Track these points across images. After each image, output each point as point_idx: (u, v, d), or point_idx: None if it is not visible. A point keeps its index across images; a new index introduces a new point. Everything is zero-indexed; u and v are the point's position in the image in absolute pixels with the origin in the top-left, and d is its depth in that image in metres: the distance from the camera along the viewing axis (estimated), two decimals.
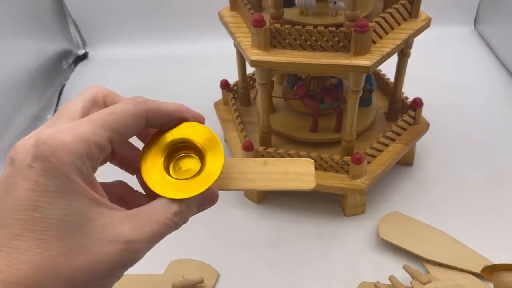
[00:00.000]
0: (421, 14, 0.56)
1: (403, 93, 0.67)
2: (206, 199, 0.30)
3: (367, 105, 0.67)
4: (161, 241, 0.51)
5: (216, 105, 0.75)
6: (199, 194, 0.28)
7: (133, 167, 0.32)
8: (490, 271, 0.49)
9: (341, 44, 0.50)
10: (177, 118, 0.30)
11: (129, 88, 0.96)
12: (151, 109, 0.28)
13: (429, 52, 0.95)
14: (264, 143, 0.63)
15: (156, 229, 0.27)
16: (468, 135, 0.76)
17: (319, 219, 0.64)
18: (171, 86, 0.96)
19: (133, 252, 0.26)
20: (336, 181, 0.59)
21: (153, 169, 0.29)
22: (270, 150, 0.60)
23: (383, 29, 0.52)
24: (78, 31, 1.09)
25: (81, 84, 1.00)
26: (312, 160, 0.31)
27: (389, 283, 0.53)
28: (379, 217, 0.63)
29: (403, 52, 0.60)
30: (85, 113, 0.28)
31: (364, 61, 0.49)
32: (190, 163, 0.30)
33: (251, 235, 0.63)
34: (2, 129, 0.74)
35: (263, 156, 0.61)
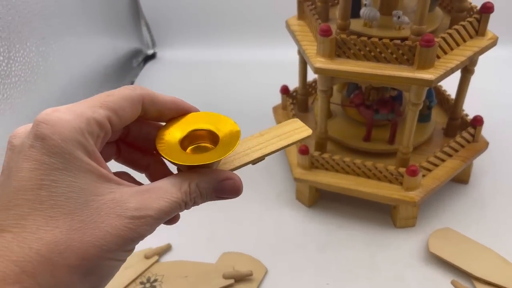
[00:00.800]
0: (488, 32, 0.56)
1: (463, 110, 0.67)
2: (225, 187, 0.29)
3: (425, 121, 0.68)
4: (216, 233, 0.55)
5: (275, 109, 0.78)
6: (215, 179, 0.29)
7: (141, 165, 0.33)
8: None
9: (405, 57, 0.51)
10: (173, 109, 0.30)
11: (192, 89, 1.02)
12: (146, 95, 0.28)
13: (494, 70, 0.93)
14: (320, 148, 0.65)
15: (164, 206, 0.27)
16: None
17: (368, 228, 0.65)
18: (233, 90, 1.00)
19: (140, 227, 0.26)
20: (389, 191, 0.60)
21: (169, 145, 0.29)
22: (325, 155, 0.62)
23: (448, 44, 0.53)
24: (149, 32, 1.17)
25: (149, 82, 1.06)
26: (295, 118, 0.34)
27: None
28: (429, 231, 0.63)
29: (467, 69, 0.60)
30: (118, 105, 0.27)
31: (427, 75, 0.50)
32: (206, 149, 0.30)
33: (301, 237, 0.65)
34: None
35: (317, 162, 0.63)
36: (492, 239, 0.61)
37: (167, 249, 0.64)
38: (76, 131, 0.25)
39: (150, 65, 1.14)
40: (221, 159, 0.29)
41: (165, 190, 0.27)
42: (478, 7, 0.55)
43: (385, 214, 0.66)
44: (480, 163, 0.71)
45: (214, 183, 0.29)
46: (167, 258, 0.63)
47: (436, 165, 0.62)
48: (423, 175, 0.60)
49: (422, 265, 0.60)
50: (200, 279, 0.59)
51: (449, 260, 0.58)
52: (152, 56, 1.17)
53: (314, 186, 0.65)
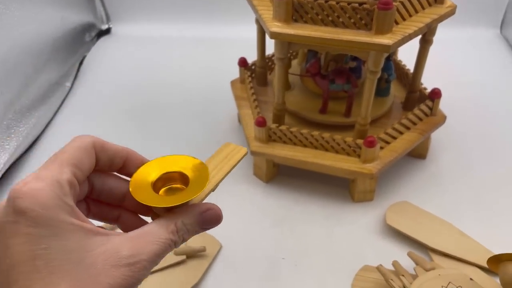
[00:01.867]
0: (446, 1, 0.55)
1: (421, 84, 0.66)
2: (207, 218, 0.31)
3: (385, 95, 0.67)
4: None
5: (233, 83, 0.75)
6: (197, 213, 0.30)
7: (111, 218, 0.33)
8: (496, 262, 0.48)
9: (363, 21, 0.50)
10: (123, 157, 0.32)
11: (148, 65, 0.98)
12: (97, 141, 0.30)
13: (452, 51, 0.94)
14: (277, 121, 0.63)
15: (156, 249, 0.28)
16: (484, 133, 0.75)
17: (326, 203, 0.64)
18: (190, 66, 0.96)
19: (137, 273, 0.27)
20: (347, 163, 0.59)
21: (143, 190, 0.30)
22: (283, 127, 0.60)
23: (407, 10, 0.51)
24: (103, 6, 1.11)
25: (102, 57, 1.01)
26: (227, 142, 0.36)
27: (392, 268, 0.52)
28: (387, 205, 0.62)
29: (425, 39, 0.60)
30: (77, 160, 0.29)
31: (385, 40, 0.49)
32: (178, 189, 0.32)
33: (257, 213, 0.63)
34: (21, 90, 0.75)
35: (275, 134, 0.61)
36: (448, 211, 0.61)
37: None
38: (52, 197, 0.26)
39: (103, 40, 1.09)
40: (196, 196, 0.30)
41: (153, 234, 0.28)
42: None
43: (343, 189, 0.65)
44: (438, 138, 0.71)
45: (197, 217, 0.30)
46: None
47: (394, 138, 0.61)
48: (381, 147, 0.60)
49: (379, 238, 0.59)
50: None
51: (406, 232, 0.57)
52: (107, 31, 1.12)
53: (271, 159, 0.63)
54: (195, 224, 0.30)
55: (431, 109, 0.64)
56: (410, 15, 0.52)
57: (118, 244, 0.27)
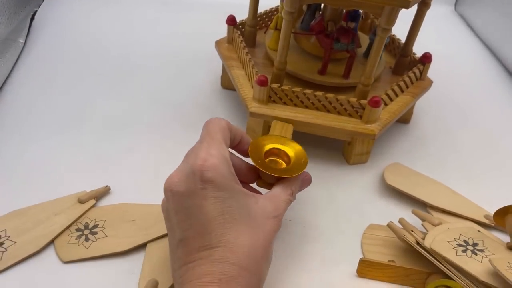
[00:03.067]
0: None
1: None
2: (305, 183, 0.48)
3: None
4: (160, 174, 0.52)
5: (219, 43, 0.71)
6: (300, 180, 0.46)
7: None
8: (503, 214, 0.51)
9: None
10: (240, 136, 0.44)
11: (111, 24, 0.90)
12: (228, 124, 0.42)
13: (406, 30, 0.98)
14: (277, 81, 0.60)
15: (284, 206, 0.42)
16: (457, 99, 0.79)
17: (321, 165, 0.63)
18: (161, 26, 0.91)
19: (279, 222, 0.40)
20: (349, 124, 0.59)
21: (259, 162, 0.44)
22: (285, 87, 0.58)
23: None
24: None
25: (53, 13, 0.92)
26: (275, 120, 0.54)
27: (399, 225, 0.53)
28: (380, 167, 0.63)
29: (425, 3, 0.61)
30: (225, 139, 0.41)
31: None
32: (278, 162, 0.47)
33: None
34: None
35: (275, 95, 0.59)
36: (436, 173, 0.63)
37: (105, 192, 0.55)
38: (227, 169, 0.37)
39: None
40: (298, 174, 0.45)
41: (281, 196, 0.42)
42: None
43: (336, 152, 0.65)
44: (419, 104, 0.74)
45: (300, 183, 0.46)
46: (105, 202, 0.55)
47: (391, 100, 0.62)
48: None
49: (379, 198, 0.60)
50: (151, 221, 0.52)
51: (406, 191, 0.59)
52: None
53: (270, 120, 0.61)
54: (299, 188, 0.46)
55: (421, 72, 0.66)
56: None
57: (263, 203, 0.40)
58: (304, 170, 0.45)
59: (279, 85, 0.59)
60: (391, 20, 0.51)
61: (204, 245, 0.36)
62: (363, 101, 0.58)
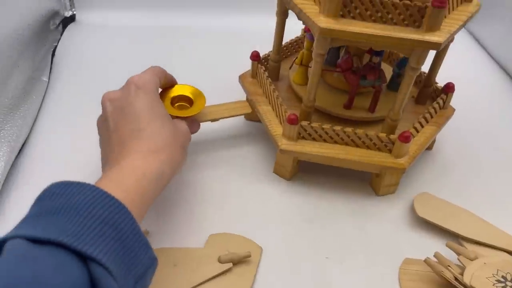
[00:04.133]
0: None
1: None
2: (192, 126, 0.59)
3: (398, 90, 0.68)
4: (195, 216, 0.60)
5: (243, 77, 0.72)
6: (194, 116, 0.59)
7: None
8: None
9: (412, 18, 0.50)
10: (171, 81, 0.61)
11: (127, 57, 0.91)
12: (163, 72, 0.57)
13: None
14: (306, 118, 0.62)
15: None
16: (480, 124, 0.80)
17: (349, 197, 0.64)
18: (176, 58, 0.92)
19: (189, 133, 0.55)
20: (379, 159, 0.60)
21: (165, 103, 0.57)
22: (315, 125, 0.59)
23: (449, 7, 0.53)
24: None
25: (73, 47, 0.93)
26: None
27: (434, 259, 0.54)
28: (408, 196, 0.64)
29: None
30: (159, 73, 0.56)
31: (435, 38, 0.50)
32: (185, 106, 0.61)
33: (285, 211, 0.62)
34: (1, 85, 0.67)
35: (305, 131, 0.60)
36: (463, 200, 0.64)
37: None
38: (154, 84, 0.52)
39: (71, 28, 0.99)
40: (194, 114, 0.59)
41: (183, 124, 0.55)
42: None
43: (364, 182, 0.66)
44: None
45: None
46: None
47: (418, 131, 0.63)
48: None
49: (410, 230, 0.61)
50: (192, 266, 0.53)
51: (438, 223, 0.59)
52: (71, 19, 1.02)
53: (300, 157, 0.62)
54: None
55: (444, 102, 0.67)
56: (449, 13, 0.54)
57: (179, 122, 0.54)
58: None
59: (308, 122, 0.60)
60: (421, 60, 0.52)
61: (135, 129, 0.46)
62: (392, 136, 0.59)
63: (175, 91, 0.60)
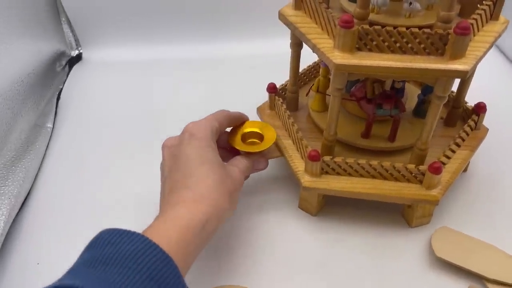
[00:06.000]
0: (501, 16, 0.56)
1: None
2: (258, 162, 0.61)
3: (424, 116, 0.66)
4: (203, 267, 0.58)
5: (261, 109, 0.72)
6: (259, 152, 0.61)
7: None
8: None
9: (434, 47, 0.49)
10: (240, 119, 0.63)
11: (134, 93, 0.92)
12: (227, 115, 0.60)
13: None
14: (328, 152, 0.60)
15: (244, 170, 0.57)
16: (500, 145, 0.76)
17: (379, 230, 0.62)
18: (186, 91, 0.92)
19: (243, 176, 0.56)
20: (409, 191, 0.58)
21: (236, 140, 0.61)
22: (338, 159, 0.58)
23: (473, 31, 0.51)
24: (72, 30, 1.03)
25: (79, 89, 0.94)
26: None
27: None
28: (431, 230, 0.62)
29: None
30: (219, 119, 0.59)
31: (461, 66, 0.48)
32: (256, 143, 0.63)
33: (303, 254, 0.60)
34: (3, 141, 0.68)
35: (328, 166, 0.59)
36: (493, 232, 0.61)
37: None
38: (209, 133, 0.54)
39: (77, 68, 1.01)
40: (263, 150, 0.60)
41: (239, 162, 0.58)
42: None
43: (395, 214, 0.64)
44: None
45: (252, 162, 0.60)
46: None
47: (449, 158, 0.61)
48: None
49: (429, 269, 0.58)
50: None
51: (458, 263, 0.56)
52: (78, 58, 1.04)
53: (325, 193, 0.61)
54: (250, 164, 0.59)
55: (476, 123, 0.65)
56: (474, 35, 0.52)
57: (231, 168, 0.55)
58: (264, 152, 0.62)
59: (331, 157, 0.59)
60: (447, 88, 0.51)
61: (183, 176, 0.49)
62: (422, 167, 0.57)
63: (246, 128, 0.63)
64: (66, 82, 0.95)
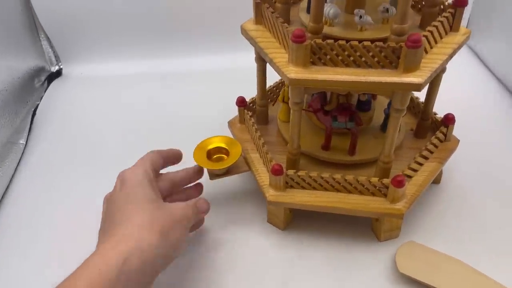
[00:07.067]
0: (462, 28, 0.56)
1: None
2: (199, 207, 0.57)
3: None
4: (163, 285, 0.57)
5: (232, 124, 0.72)
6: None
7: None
8: None
9: (388, 60, 0.49)
10: (174, 155, 0.62)
11: (111, 107, 0.93)
12: (157, 155, 0.59)
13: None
14: (292, 166, 0.61)
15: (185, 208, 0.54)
16: (473, 155, 0.76)
17: (347, 245, 0.63)
18: (160, 105, 0.93)
19: (188, 211, 0.54)
20: (374, 205, 0.58)
21: (201, 158, 0.63)
22: (302, 173, 0.59)
23: (429, 43, 0.52)
24: (51, 46, 1.04)
25: (56, 104, 0.95)
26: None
27: None
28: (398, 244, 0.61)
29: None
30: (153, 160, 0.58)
31: (415, 79, 0.48)
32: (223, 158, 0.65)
33: (267, 270, 0.60)
34: None
35: (292, 180, 0.60)
36: (460, 248, 0.61)
37: None
38: (142, 176, 0.54)
39: (55, 84, 1.02)
40: (230, 165, 0.62)
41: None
42: (451, 0, 0.55)
43: (365, 227, 0.64)
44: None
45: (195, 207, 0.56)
46: None
47: (415, 171, 0.62)
48: None
49: (392, 286, 0.58)
50: None
51: (419, 279, 0.56)
52: (58, 74, 1.05)
53: (290, 207, 0.62)
54: (196, 209, 0.55)
55: (445, 135, 0.65)
56: (431, 47, 0.53)
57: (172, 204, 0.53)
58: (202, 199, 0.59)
59: (295, 171, 0.59)
60: (404, 101, 0.51)
61: (111, 222, 0.49)
62: (386, 181, 0.57)
63: (211, 144, 0.64)
64: (43, 98, 0.97)
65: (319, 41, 0.49)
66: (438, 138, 0.64)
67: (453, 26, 0.55)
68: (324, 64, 0.51)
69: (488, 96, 0.93)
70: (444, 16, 0.53)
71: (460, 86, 0.93)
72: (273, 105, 0.72)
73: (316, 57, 0.50)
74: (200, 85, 0.98)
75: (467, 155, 0.74)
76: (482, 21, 1.01)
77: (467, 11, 1.05)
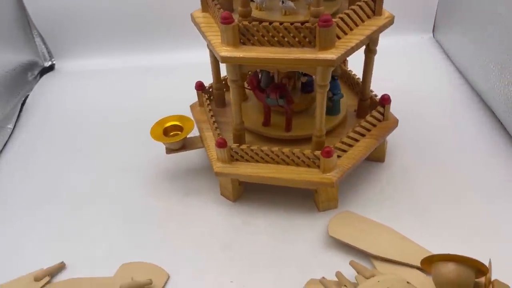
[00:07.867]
0: (385, 12, 0.63)
1: (372, 91, 0.73)
2: None
3: (335, 114, 0.72)
4: (113, 245, 0.65)
5: (192, 107, 0.80)
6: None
7: None
8: (429, 263, 0.53)
9: (307, 39, 0.56)
10: None
11: (99, 99, 1.02)
12: None
13: (389, 59, 1.00)
14: (238, 140, 0.68)
15: None
16: (421, 136, 0.83)
17: (289, 215, 0.69)
18: (144, 96, 1.01)
19: None
20: (308, 175, 0.64)
21: (158, 135, 0.71)
22: (244, 146, 0.65)
23: (347, 25, 0.58)
24: (44, 43, 1.14)
25: (45, 96, 1.04)
26: None
27: (336, 278, 0.57)
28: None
29: (369, 49, 0.67)
30: None
31: (329, 55, 0.55)
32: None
33: (212, 236, 0.67)
34: None
35: (237, 154, 0.67)
36: (390, 217, 0.67)
37: (60, 268, 0.63)
38: None
39: (47, 77, 1.12)
40: (182, 138, 0.71)
41: None
42: None
43: (308, 199, 0.71)
44: (395, 141, 0.79)
45: None
46: (60, 278, 0.62)
47: (350, 145, 0.68)
48: (339, 156, 0.65)
49: (324, 250, 0.64)
50: None
51: (347, 241, 0.62)
52: (50, 68, 1.15)
53: (235, 178, 0.68)
54: None
55: (382, 114, 0.71)
56: (351, 29, 0.59)
57: None
58: None
59: (238, 144, 0.66)
60: (325, 77, 0.57)
61: None
62: (317, 152, 0.63)
63: (166, 122, 0.73)
64: (33, 90, 1.06)
65: (245, 22, 0.56)
66: (373, 116, 0.70)
67: (376, 10, 0.62)
68: (253, 44, 0.58)
69: (444, 82, 0.99)
70: (363, 1, 0.60)
71: (421, 73, 1.00)
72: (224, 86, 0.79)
73: (245, 38, 0.57)
74: (178, 76, 1.06)
75: (414, 136, 0.80)
76: (447, 16, 1.06)
77: (434, 7, 1.11)
